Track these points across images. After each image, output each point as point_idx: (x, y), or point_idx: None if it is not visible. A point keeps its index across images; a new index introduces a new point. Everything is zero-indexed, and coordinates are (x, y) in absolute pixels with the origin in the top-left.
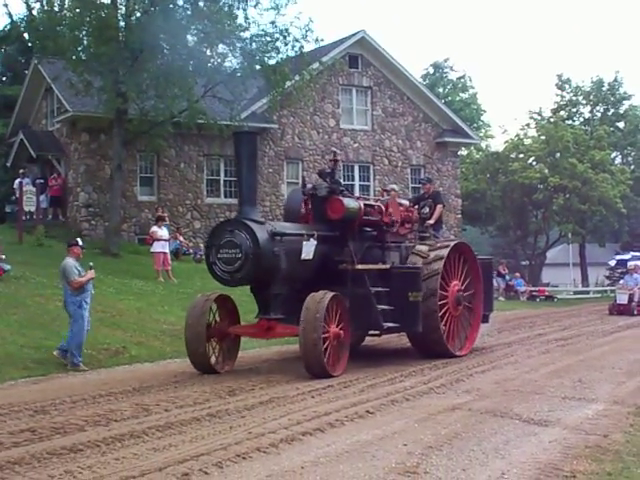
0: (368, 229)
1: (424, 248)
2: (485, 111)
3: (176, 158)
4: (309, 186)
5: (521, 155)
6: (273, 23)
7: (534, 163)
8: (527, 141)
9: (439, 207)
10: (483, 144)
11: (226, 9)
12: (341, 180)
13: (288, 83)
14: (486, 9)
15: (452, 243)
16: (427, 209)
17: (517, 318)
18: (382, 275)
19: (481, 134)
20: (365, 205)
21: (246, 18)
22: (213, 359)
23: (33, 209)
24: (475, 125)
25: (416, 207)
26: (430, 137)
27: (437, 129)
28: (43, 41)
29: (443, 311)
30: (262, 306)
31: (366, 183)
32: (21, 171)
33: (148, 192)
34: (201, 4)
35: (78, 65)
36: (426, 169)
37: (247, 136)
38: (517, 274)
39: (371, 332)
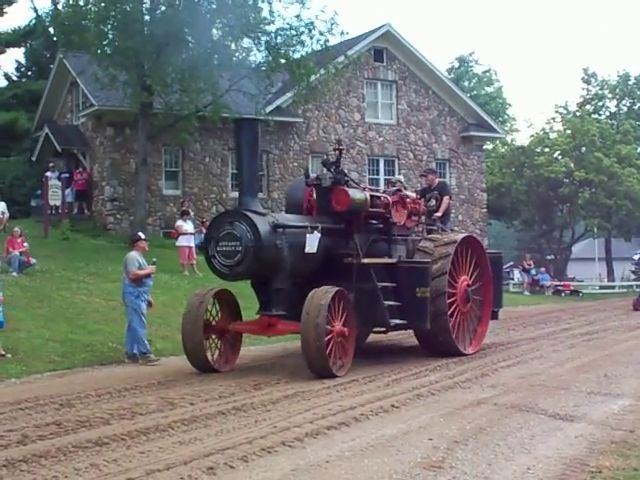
0: (374, 221)
1: (430, 245)
2: (510, 105)
3: (201, 152)
4: (313, 176)
5: (547, 149)
6: (298, 16)
7: (560, 157)
8: (553, 135)
9: (446, 199)
10: (508, 138)
11: (251, 2)
12: (363, 173)
13: (313, 77)
14: (511, 2)
15: (459, 237)
16: (434, 201)
17: (542, 313)
18: (389, 270)
19: (506, 128)
20: (371, 196)
21: (271, 11)
22: (212, 357)
23: (58, 203)
24: (500, 119)
25: (422, 199)
26: (455, 131)
27: (462, 123)
28: (68, 35)
29: (452, 309)
30: (263, 302)
31: (391, 177)
32: (50, 165)
33: (173, 186)
34: None
35: (103, 59)
36: (451, 163)
37: (248, 123)
38: (542, 269)
39: (376, 329)
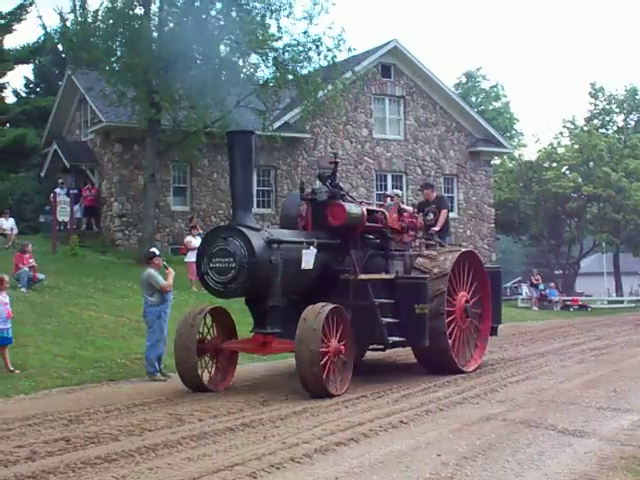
0: (370, 236)
1: (426, 262)
2: (518, 120)
3: (209, 168)
4: (308, 190)
5: (554, 164)
6: (306, 33)
7: (567, 172)
8: (560, 150)
9: (444, 212)
10: (516, 153)
11: (259, 19)
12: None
13: (321, 93)
14: (518, 18)
15: (457, 254)
16: (432, 215)
17: (551, 328)
18: (386, 286)
19: (514, 143)
20: (368, 211)
21: (279, 28)
22: (206, 377)
23: (67, 219)
24: (508, 134)
25: (420, 214)
26: (463, 146)
27: (470, 138)
28: (77, 52)
29: (450, 325)
30: (258, 319)
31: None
32: (60, 181)
33: (181, 202)
34: (234, 14)
35: (112, 76)
36: (459, 178)
37: (241, 135)
38: (551, 284)
39: (373, 346)
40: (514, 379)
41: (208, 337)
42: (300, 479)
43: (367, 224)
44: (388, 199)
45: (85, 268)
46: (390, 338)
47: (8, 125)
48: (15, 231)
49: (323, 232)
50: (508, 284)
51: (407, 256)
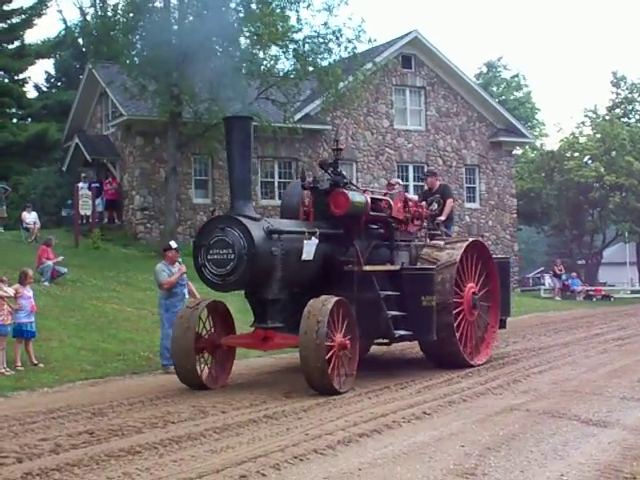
0: (375, 226)
1: (433, 252)
2: (539, 110)
3: None
4: (309, 179)
5: (576, 154)
6: (326, 24)
7: (590, 162)
8: (582, 139)
9: (449, 202)
10: (538, 143)
11: (278, 11)
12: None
13: (341, 84)
14: (539, 6)
15: (465, 244)
16: (436, 205)
17: (574, 318)
18: (391, 277)
19: (536, 133)
20: (372, 199)
21: (298, 20)
22: (204, 374)
23: (89, 213)
24: (530, 124)
25: (424, 203)
26: (484, 136)
27: (491, 128)
28: (97, 46)
29: (458, 318)
30: (258, 313)
31: (420, 184)
32: (82, 175)
33: (203, 195)
34: (253, 6)
35: (132, 69)
36: (481, 169)
37: (239, 121)
38: (573, 274)
39: (378, 340)
40: (537, 369)
41: (205, 333)
42: (323, 470)
43: (371, 213)
44: (397, 186)
45: (107, 261)
46: (396, 332)
47: (30, 120)
48: (38, 225)
49: (325, 222)
50: (530, 274)
51: (413, 246)
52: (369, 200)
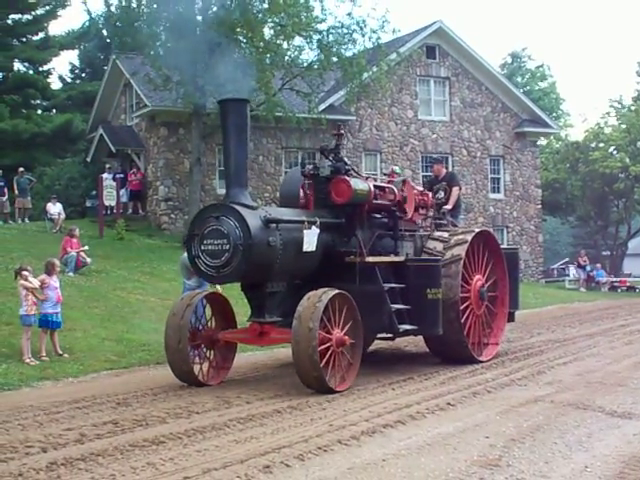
0: (378, 215)
1: (439, 244)
2: (564, 100)
3: (254, 151)
4: (309, 166)
5: (601, 144)
6: (350, 14)
7: (615, 152)
8: (607, 130)
9: (455, 190)
10: (563, 133)
11: (302, 1)
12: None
13: (365, 75)
14: None
15: (473, 233)
16: (442, 193)
17: (598, 309)
18: (395, 269)
19: (560, 123)
20: (375, 187)
21: (323, 10)
22: (201, 369)
23: (113, 203)
24: (554, 114)
25: (430, 192)
26: (509, 127)
27: (516, 119)
28: (121, 37)
29: (465, 310)
30: (255, 307)
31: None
32: (106, 166)
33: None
34: None
35: (156, 60)
36: (505, 159)
37: (235, 104)
38: (598, 265)
39: (381, 335)
40: (562, 361)
41: (201, 327)
42: (347, 461)
43: (374, 202)
44: (395, 175)
45: (132, 252)
46: (400, 326)
47: (54, 111)
48: (62, 216)
49: (326, 211)
50: (555, 265)
51: (417, 237)
52: (372, 188)
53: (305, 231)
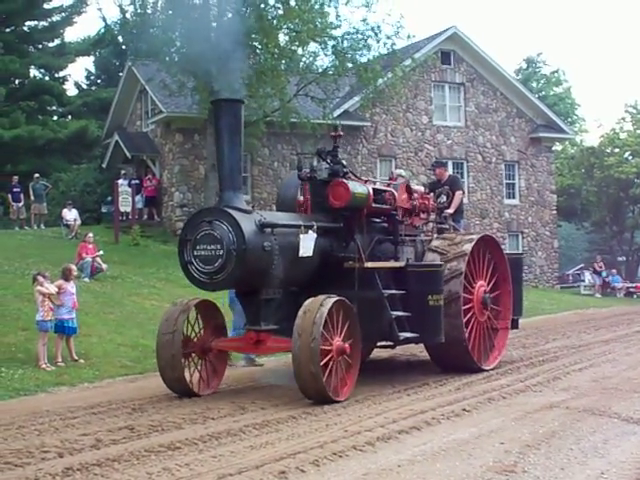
0: (377, 220)
1: (443, 244)
2: (579, 105)
3: (269, 157)
4: (306, 169)
5: (617, 149)
6: (364, 20)
7: (630, 157)
8: (623, 135)
9: (458, 194)
10: (578, 139)
11: (317, 7)
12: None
13: (380, 80)
14: (578, 1)
15: (476, 237)
16: (444, 197)
17: (614, 315)
18: (396, 275)
19: (576, 129)
20: (374, 190)
21: (337, 16)
22: (193, 379)
23: (129, 209)
24: (569, 120)
25: (431, 195)
26: (524, 132)
27: (531, 124)
28: (137, 43)
29: (467, 317)
30: (250, 314)
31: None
32: (122, 172)
33: (242, 191)
34: (292, 3)
35: (171, 66)
36: (520, 165)
37: (228, 104)
38: (613, 270)
39: (381, 343)
40: (577, 367)
41: (194, 336)
42: (362, 467)
43: (374, 205)
44: (399, 178)
45: (147, 258)
46: (401, 334)
47: (70, 117)
48: (78, 222)
49: (324, 215)
50: (570, 271)
51: (418, 242)
52: (371, 191)
53: (301, 236)
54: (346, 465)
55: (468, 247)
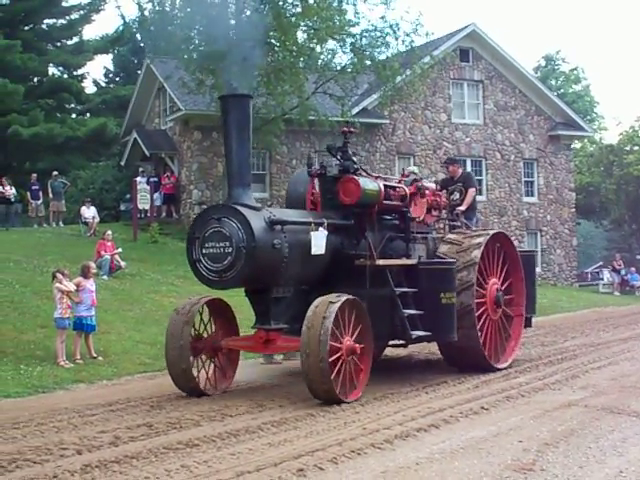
0: (389, 217)
1: (453, 245)
2: (598, 103)
3: (288, 155)
4: (316, 165)
5: (636, 147)
6: (383, 18)
7: None
8: None
9: (471, 191)
10: (597, 137)
11: (335, 4)
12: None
13: (399, 78)
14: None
15: (489, 234)
16: (457, 194)
17: (633, 313)
18: (407, 272)
19: (595, 126)
20: (385, 187)
21: (356, 13)
22: (202, 379)
23: (147, 207)
24: (588, 117)
25: (444, 192)
26: (543, 130)
27: (550, 122)
28: (155, 41)
29: (480, 314)
30: (260, 313)
31: (478, 177)
32: (140, 169)
33: (260, 189)
34: (311, 1)
35: (190, 64)
36: (539, 163)
37: (236, 100)
38: (632, 268)
39: (392, 342)
40: (596, 365)
41: (206, 334)
42: (381, 465)
43: (385, 202)
44: (411, 175)
45: (165, 255)
46: (413, 333)
47: (88, 115)
48: (96, 219)
49: (334, 212)
50: (589, 269)
51: (430, 239)
52: (382, 188)
53: (312, 233)
54: (364, 463)
55: (482, 239)
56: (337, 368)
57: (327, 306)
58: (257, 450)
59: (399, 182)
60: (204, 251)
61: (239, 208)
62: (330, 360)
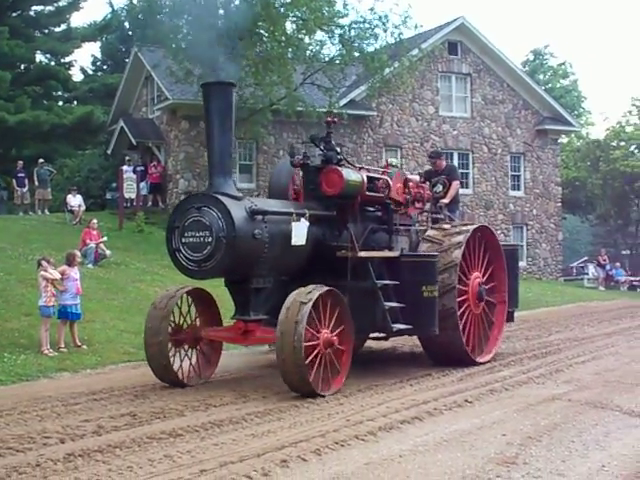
0: (371, 208)
1: (438, 234)
2: (586, 98)
3: (275, 145)
4: (299, 155)
5: (622, 143)
6: (372, 10)
7: (636, 151)
8: (629, 129)
9: (455, 184)
10: (584, 132)
11: None
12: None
13: (387, 70)
14: None
15: (472, 227)
16: (440, 187)
17: (617, 308)
18: (390, 265)
19: (582, 121)
20: (369, 178)
21: (345, 5)
22: (186, 368)
23: (133, 196)
24: (576, 112)
25: (427, 184)
26: (530, 124)
27: (537, 116)
28: (143, 29)
29: (462, 309)
30: (240, 304)
31: (465, 171)
32: (126, 158)
33: (247, 179)
34: None
35: (178, 53)
36: (526, 157)
37: (219, 88)
38: (617, 264)
39: (373, 335)
40: (580, 359)
41: (186, 325)
42: (364, 456)
43: (368, 194)
44: (390, 167)
45: (151, 245)
46: (394, 325)
47: (75, 102)
48: (82, 208)
49: (317, 202)
50: (574, 264)
51: (413, 231)
52: (365, 179)
53: (293, 224)
54: (348, 454)
55: (463, 237)
56: (312, 358)
57: (302, 300)
58: (240, 441)
59: (383, 173)
60: (184, 240)
61: (220, 197)
62: (306, 346)
